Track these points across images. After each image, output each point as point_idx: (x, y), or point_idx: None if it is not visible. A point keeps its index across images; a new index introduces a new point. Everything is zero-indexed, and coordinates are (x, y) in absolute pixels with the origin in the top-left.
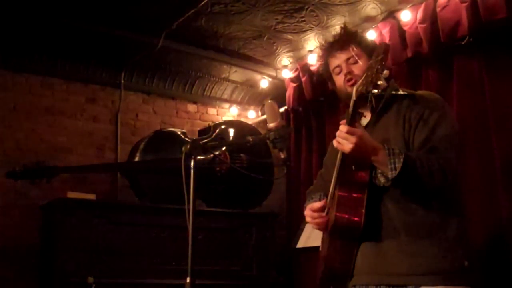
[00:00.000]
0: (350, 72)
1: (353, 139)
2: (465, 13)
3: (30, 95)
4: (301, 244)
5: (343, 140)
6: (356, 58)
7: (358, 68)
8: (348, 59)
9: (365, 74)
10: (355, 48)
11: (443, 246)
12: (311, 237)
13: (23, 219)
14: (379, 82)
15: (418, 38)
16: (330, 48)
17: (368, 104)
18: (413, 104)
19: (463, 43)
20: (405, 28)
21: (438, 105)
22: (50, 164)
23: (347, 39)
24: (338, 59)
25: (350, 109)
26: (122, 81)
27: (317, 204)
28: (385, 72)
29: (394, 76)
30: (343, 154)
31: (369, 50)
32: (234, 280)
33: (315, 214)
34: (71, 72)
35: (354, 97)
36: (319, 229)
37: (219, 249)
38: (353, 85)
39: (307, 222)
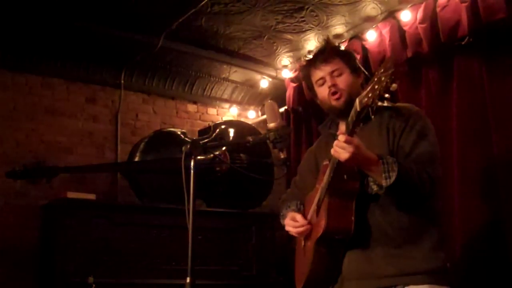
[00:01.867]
0: (334, 85)
1: (350, 148)
2: (465, 13)
3: (30, 95)
4: None
5: (340, 149)
6: (340, 71)
7: (342, 81)
8: (332, 71)
9: (370, 86)
10: (339, 61)
11: (427, 250)
12: None
13: (23, 219)
14: (386, 95)
15: (418, 38)
16: (314, 60)
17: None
18: (395, 115)
19: (463, 43)
20: (405, 28)
21: (421, 116)
22: (50, 164)
23: (332, 52)
24: (323, 71)
25: (351, 119)
26: (122, 81)
27: (299, 217)
28: (394, 85)
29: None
30: (337, 163)
31: (352, 64)
32: (234, 280)
33: (298, 224)
34: (71, 72)
35: (358, 108)
36: (299, 236)
37: (219, 249)
38: (338, 98)
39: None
